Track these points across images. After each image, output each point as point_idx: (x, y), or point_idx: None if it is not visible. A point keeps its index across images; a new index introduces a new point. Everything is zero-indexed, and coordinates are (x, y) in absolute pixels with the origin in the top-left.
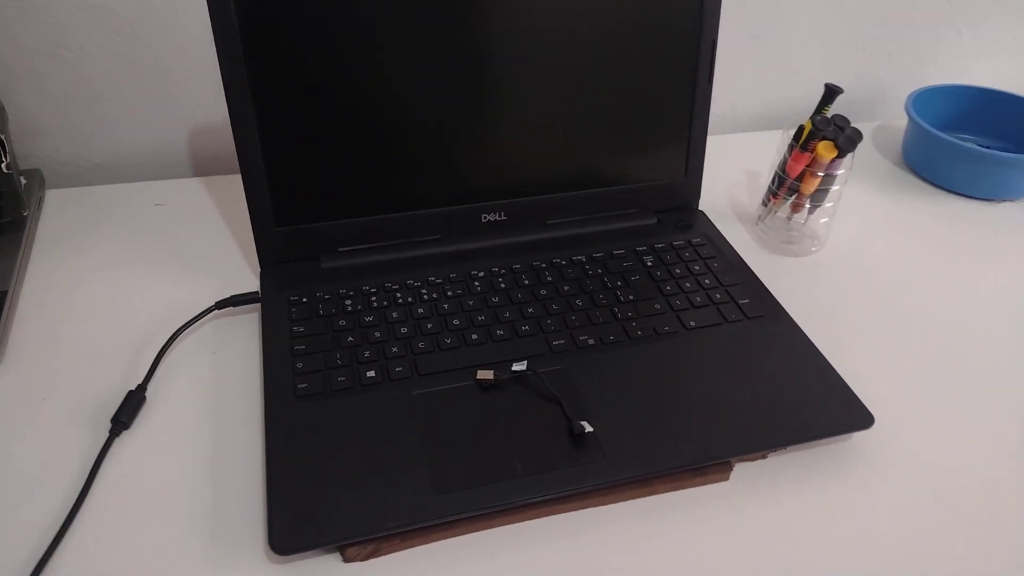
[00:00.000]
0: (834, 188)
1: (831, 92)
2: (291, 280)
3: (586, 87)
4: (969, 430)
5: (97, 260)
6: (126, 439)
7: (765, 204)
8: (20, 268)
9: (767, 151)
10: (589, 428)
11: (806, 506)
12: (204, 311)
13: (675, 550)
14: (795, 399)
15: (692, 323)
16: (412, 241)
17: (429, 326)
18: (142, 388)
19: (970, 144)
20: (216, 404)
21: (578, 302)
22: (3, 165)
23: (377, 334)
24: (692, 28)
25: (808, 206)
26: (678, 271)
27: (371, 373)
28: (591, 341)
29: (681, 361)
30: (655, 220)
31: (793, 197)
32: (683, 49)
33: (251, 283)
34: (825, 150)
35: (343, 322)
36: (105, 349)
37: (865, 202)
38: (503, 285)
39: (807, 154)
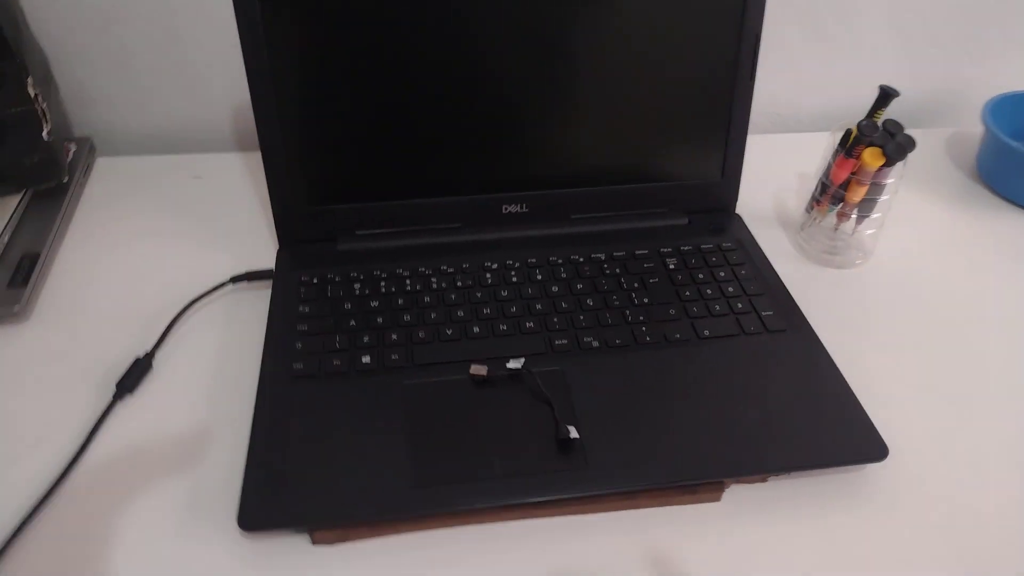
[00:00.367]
0: (883, 198)
1: (885, 95)
2: (306, 260)
3: (619, 79)
4: (992, 478)
5: (131, 228)
6: (129, 404)
7: (808, 211)
8: (58, 232)
9: (826, 154)
10: (575, 434)
11: (800, 537)
12: (218, 285)
13: (652, 569)
14: (804, 422)
15: (706, 332)
16: (430, 228)
17: (433, 316)
18: (150, 356)
19: None
20: (218, 378)
21: (589, 302)
22: (44, 133)
23: (380, 320)
24: (734, 20)
25: (855, 216)
26: (701, 276)
27: (366, 359)
28: (595, 343)
29: (687, 372)
30: (686, 221)
31: (840, 206)
32: (724, 42)
33: (272, 261)
34: (871, 157)
35: (348, 305)
36: (124, 315)
37: (925, 214)
38: (515, 279)
39: (852, 160)
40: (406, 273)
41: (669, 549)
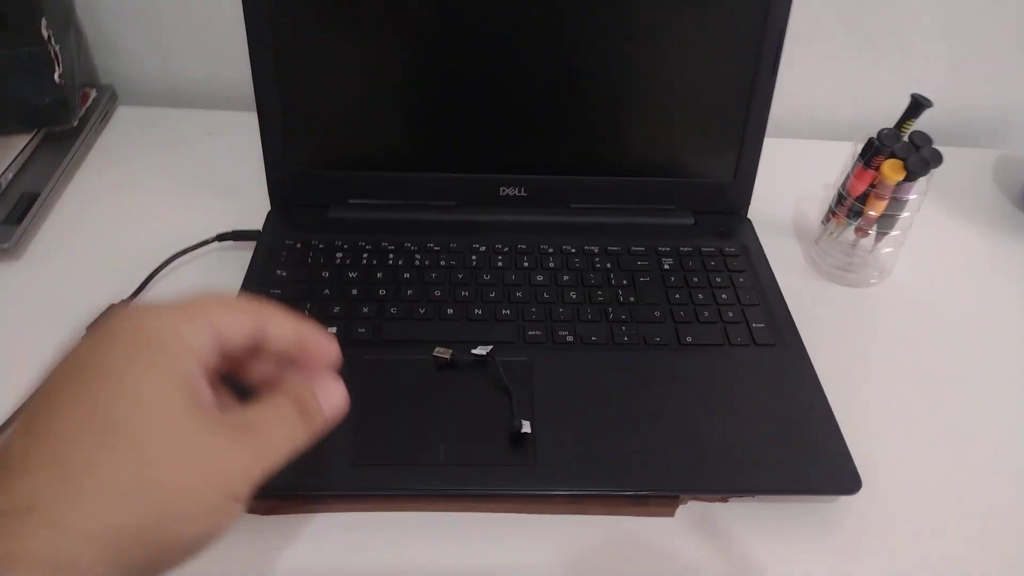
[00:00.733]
0: (903, 215)
1: (917, 104)
2: (295, 225)
3: (631, 66)
4: (965, 536)
5: (137, 177)
6: None
7: (824, 223)
8: (63, 175)
9: (847, 163)
10: (527, 429)
11: (753, 565)
12: (204, 241)
13: None
14: (776, 444)
15: (688, 339)
16: (424, 204)
17: (409, 292)
18: (124, 304)
19: None
20: None
21: (572, 295)
22: (56, 75)
23: (354, 291)
24: (758, 13)
25: (874, 232)
26: (695, 280)
27: (332, 329)
28: (569, 338)
29: (661, 377)
30: (692, 221)
31: (858, 220)
32: (745, 37)
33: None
34: (891, 170)
35: (326, 274)
36: (112, 262)
37: (957, 239)
38: (500, 264)
39: (871, 172)
40: (391, 247)
41: (608, 560)
